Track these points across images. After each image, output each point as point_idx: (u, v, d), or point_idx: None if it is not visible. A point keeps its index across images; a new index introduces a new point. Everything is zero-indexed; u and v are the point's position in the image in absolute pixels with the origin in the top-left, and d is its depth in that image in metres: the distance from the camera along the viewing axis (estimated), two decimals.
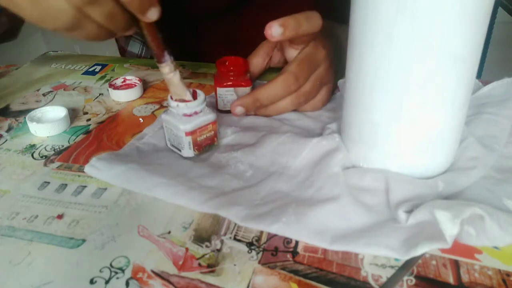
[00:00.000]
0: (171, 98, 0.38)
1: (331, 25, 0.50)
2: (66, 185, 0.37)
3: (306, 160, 0.38)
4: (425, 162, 0.34)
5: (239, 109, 0.44)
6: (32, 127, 0.45)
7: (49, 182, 0.38)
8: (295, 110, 0.47)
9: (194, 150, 0.39)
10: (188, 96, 0.38)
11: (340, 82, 0.49)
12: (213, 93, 0.51)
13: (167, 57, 0.36)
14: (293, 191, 0.35)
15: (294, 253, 0.30)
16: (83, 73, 0.59)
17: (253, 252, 0.30)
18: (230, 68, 0.46)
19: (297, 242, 0.31)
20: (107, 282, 0.28)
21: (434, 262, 0.29)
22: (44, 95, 0.53)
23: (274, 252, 0.30)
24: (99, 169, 0.37)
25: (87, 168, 0.38)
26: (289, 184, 0.36)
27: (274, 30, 0.39)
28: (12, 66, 0.63)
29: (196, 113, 0.38)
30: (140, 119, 0.47)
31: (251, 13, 0.61)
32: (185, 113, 0.37)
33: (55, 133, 0.45)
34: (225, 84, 0.45)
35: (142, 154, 0.40)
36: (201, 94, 0.39)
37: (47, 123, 0.45)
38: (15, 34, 0.55)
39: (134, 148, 0.41)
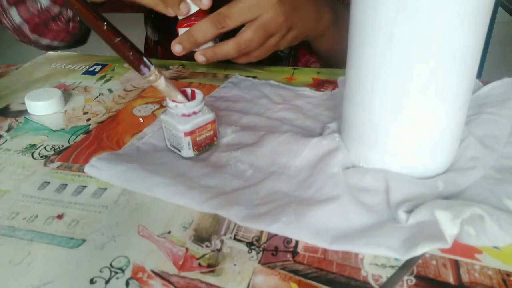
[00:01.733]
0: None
1: None
2: (66, 185, 0.37)
3: (306, 160, 0.38)
4: (425, 162, 0.34)
5: (177, 47, 0.48)
6: (31, 105, 0.49)
7: (49, 182, 0.38)
8: (293, 110, 0.47)
9: (193, 150, 0.39)
10: (180, 98, 0.38)
11: (339, 80, 0.49)
12: (212, 93, 0.52)
13: (145, 70, 0.36)
14: (293, 191, 0.35)
15: (294, 253, 0.30)
16: (83, 73, 0.59)
17: (253, 252, 0.30)
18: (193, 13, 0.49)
19: (297, 242, 0.31)
20: (107, 282, 0.28)
21: (434, 262, 0.29)
22: None
23: (274, 252, 0.30)
24: (99, 169, 0.37)
25: (87, 168, 0.38)
26: (289, 184, 0.36)
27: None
28: (12, 66, 0.63)
29: (194, 113, 0.38)
30: (140, 119, 0.47)
31: None
32: (183, 113, 0.37)
33: (51, 112, 0.49)
34: (185, 24, 0.49)
35: (142, 154, 0.40)
36: (199, 94, 0.39)
37: (44, 101, 0.49)
38: (86, 40, 0.68)
39: (134, 148, 0.41)
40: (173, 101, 0.38)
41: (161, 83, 0.37)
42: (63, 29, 0.62)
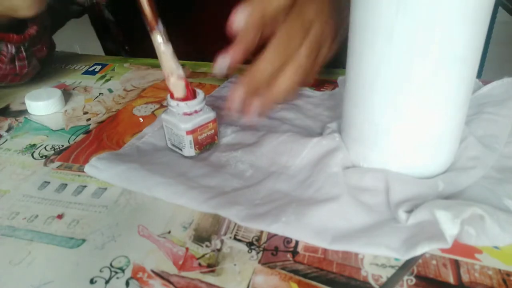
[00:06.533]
0: (171, 97, 0.38)
1: None
2: (66, 185, 0.37)
3: (306, 159, 0.38)
4: (425, 162, 0.34)
5: (238, 95, 0.37)
6: (31, 105, 0.49)
7: (49, 182, 0.38)
8: (293, 110, 0.47)
9: (195, 149, 0.39)
10: (181, 71, 0.37)
11: (339, 80, 0.49)
12: (213, 93, 0.51)
13: (160, 25, 0.35)
14: (293, 191, 0.35)
15: (294, 253, 0.30)
16: (83, 73, 0.59)
17: (253, 252, 0.30)
18: None
19: (297, 242, 0.31)
20: (107, 282, 0.28)
21: (434, 262, 0.29)
22: None
23: (274, 252, 0.30)
24: (99, 169, 0.37)
25: (87, 168, 0.38)
26: (289, 183, 0.36)
27: (239, 16, 0.34)
28: None
29: (196, 111, 0.38)
30: (140, 118, 0.47)
31: None
32: (185, 112, 0.37)
33: (51, 112, 0.49)
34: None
35: (142, 154, 0.40)
36: (200, 93, 0.39)
37: (44, 101, 0.48)
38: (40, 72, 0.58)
39: (134, 147, 0.41)
40: (177, 98, 0.38)
41: (169, 48, 0.36)
42: (8, 72, 0.50)
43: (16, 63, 0.50)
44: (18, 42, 0.48)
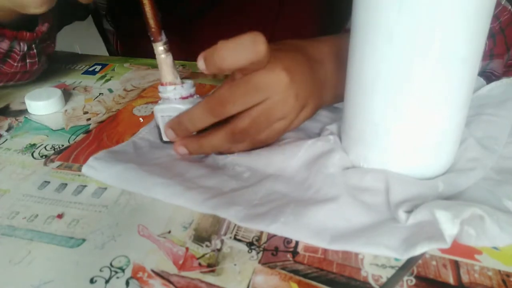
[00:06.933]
0: (163, 85, 0.39)
1: (313, 45, 0.42)
2: (66, 184, 0.37)
3: (302, 161, 0.37)
4: (425, 163, 0.34)
5: (169, 133, 0.39)
6: (31, 105, 0.49)
7: (49, 182, 0.38)
8: None
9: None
10: (179, 80, 0.39)
11: None
12: (210, 93, 0.51)
13: (164, 36, 0.37)
14: (292, 192, 0.35)
15: (294, 253, 0.30)
16: (83, 73, 0.59)
17: (253, 252, 0.30)
18: None
19: (297, 242, 0.31)
20: (107, 281, 0.28)
21: (434, 263, 0.29)
22: None
23: (274, 252, 0.30)
24: (96, 170, 0.37)
25: (84, 169, 0.38)
26: (287, 184, 0.36)
27: (199, 63, 0.34)
28: None
29: (191, 95, 0.39)
30: (140, 118, 0.47)
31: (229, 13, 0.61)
32: (182, 96, 0.38)
33: (51, 111, 0.49)
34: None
35: (139, 151, 0.40)
36: (187, 80, 0.40)
37: (44, 101, 0.48)
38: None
39: (130, 142, 0.41)
40: (166, 84, 0.38)
41: (170, 57, 0.38)
42: (18, 70, 0.51)
43: (27, 60, 0.51)
44: (30, 40, 0.48)
